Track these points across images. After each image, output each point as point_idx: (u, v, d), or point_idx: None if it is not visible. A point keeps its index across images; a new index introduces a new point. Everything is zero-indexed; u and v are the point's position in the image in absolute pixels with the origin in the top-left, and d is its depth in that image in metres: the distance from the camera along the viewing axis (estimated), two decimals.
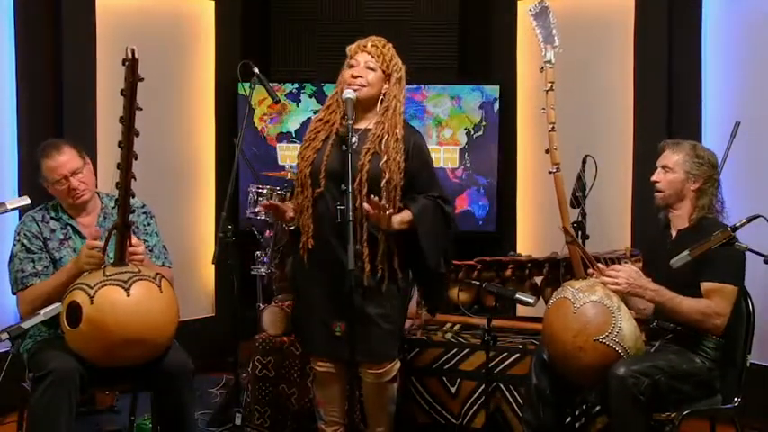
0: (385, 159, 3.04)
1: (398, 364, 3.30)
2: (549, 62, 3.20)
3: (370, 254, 3.05)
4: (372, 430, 3.34)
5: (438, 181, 3.24)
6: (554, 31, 3.21)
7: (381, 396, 3.28)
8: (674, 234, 3.15)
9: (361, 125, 3.12)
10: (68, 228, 3.15)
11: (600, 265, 3.06)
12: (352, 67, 3.12)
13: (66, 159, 3.08)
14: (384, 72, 3.12)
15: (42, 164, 3.10)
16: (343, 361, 3.05)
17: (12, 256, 3.09)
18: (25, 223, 3.11)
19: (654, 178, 3.14)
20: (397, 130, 3.08)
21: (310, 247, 3.11)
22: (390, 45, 3.19)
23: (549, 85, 3.18)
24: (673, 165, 3.10)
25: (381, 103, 3.12)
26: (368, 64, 3.11)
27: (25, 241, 3.07)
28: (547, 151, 3.17)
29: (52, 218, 3.14)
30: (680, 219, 3.13)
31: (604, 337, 2.86)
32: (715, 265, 2.94)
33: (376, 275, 3.07)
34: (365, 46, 3.14)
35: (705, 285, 2.96)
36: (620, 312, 2.88)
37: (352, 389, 2.93)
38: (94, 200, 3.22)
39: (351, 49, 3.17)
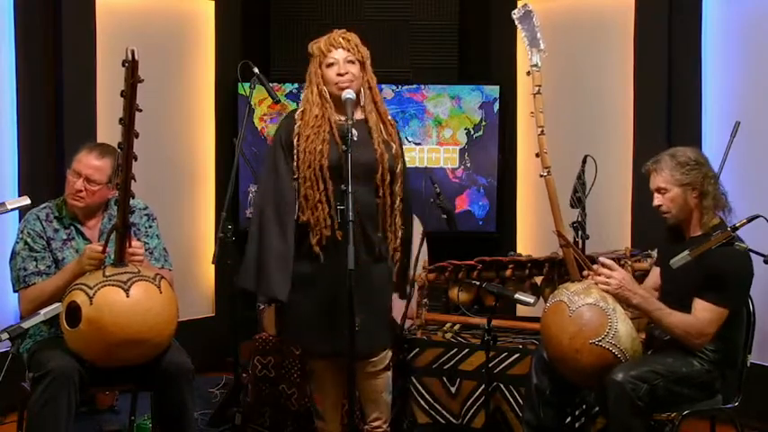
0: (395, 147, 3.15)
1: (390, 353, 3.31)
2: (536, 66, 3.20)
3: (386, 240, 3.12)
4: (370, 420, 3.34)
5: None
6: (539, 35, 3.21)
7: (376, 385, 3.28)
8: (686, 238, 3.09)
9: (355, 116, 3.10)
10: (72, 228, 3.14)
11: (594, 266, 3.05)
12: (331, 65, 3.12)
13: (96, 165, 3.07)
14: (360, 62, 3.15)
15: (80, 151, 3.12)
16: (349, 353, 3.05)
17: (14, 254, 3.08)
18: (29, 221, 3.11)
19: (655, 203, 3.07)
20: (389, 117, 3.19)
21: (339, 238, 3.03)
22: (353, 33, 3.20)
23: (537, 88, 3.18)
24: (665, 184, 3.03)
25: (364, 93, 3.15)
26: (347, 58, 3.12)
27: (28, 239, 3.07)
28: (537, 155, 3.17)
29: (56, 217, 3.14)
30: (693, 227, 3.07)
31: (601, 340, 2.86)
32: (715, 282, 2.89)
33: (390, 260, 3.13)
34: (338, 42, 3.13)
35: (699, 303, 2.92)
36: (615, 314, 2.87)
37: (352, 387, 2.93)
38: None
39: (320, 47, 3.14)
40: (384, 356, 3.26)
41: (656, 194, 3.07)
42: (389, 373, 3.32)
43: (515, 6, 4.83)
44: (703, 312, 2.91)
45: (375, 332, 3.12)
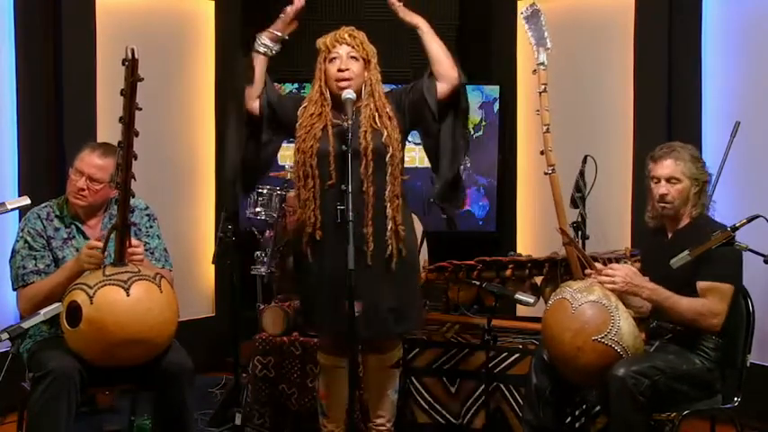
0: (386, 135, 3.11)
1: (400, 351, 3.32)
2: (542, 64, 3.21)
3: (375, 232, 3.09)
4: (374, 418, 3.35)
5: None
6: (546, 34, 3.22)
7: (384, 382, 3.30)
8: (669, 234, 3.13)
9: (349, 110, 3.11)
10: (72, 227, 3.14)
11: (597, 264, 3.06)
12: (333, 60, 3.13)
13: (98, 164, 3.07)
14: (364, 60, 3.16)
15: (83, 150, 3.12)
16: (350, 348, 3.04)
17: (14, 252, 3.08)
18: (29, 220, 3.10)
19: (662, 192, 3.04)
20: (387, 109, 3.16)
21: (318, 238, 3.10)
22: (361, 32, 3.22)
23: (543, 86, 3.19)
24: (680, 175, 3.02)
25: (364, 88, 3.16)
26: (350, 54, 3.14)
27: (28, 238, 3.07)
28: (542, 152, 3.18)
29: (57, 216, 3.14)
30: (677, 220, 3.10)
31: (603, 337, 2.86)
32: (711, 265, 2.92)
33: (385, 253, 3.10)
34: (343, 37, 3.15)
35: (701, 284, 2.95)
36: (618, 312, 2.88)
37: (352, 387, 2.93)
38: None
39: (326, 42, 3.17)
40: (394, 354, 3.28)
41: (663, 182, 3.04)
42: (397, 372, 3.34)
43: (515, 6, 4.88)
44: (710, 292, 2.94)
45: (373, 321, 3.10)
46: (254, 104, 3.19)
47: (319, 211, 3.09)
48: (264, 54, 3.20)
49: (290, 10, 3.20)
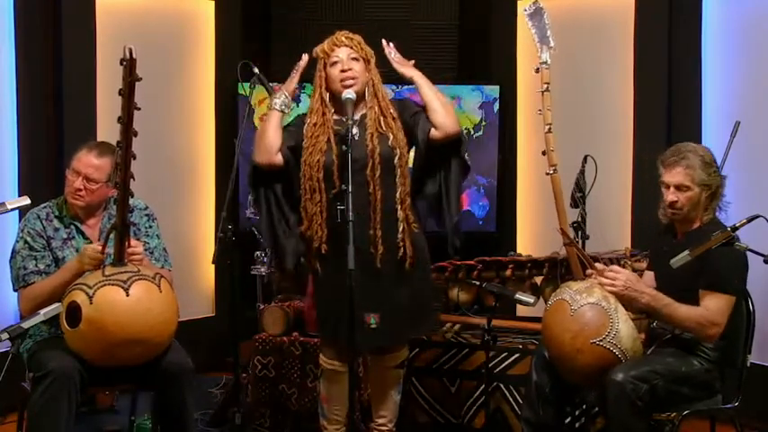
0: (392, 138, 3.12)
1: (406, 352, 3.34)
2: (545, 63, 3.20)
3: (384, 235, 3.09)
4: (376, 417, 3.35)
5: None
6: (549, 32, 3.21)
7: (388, 382, 3.32)
8: (679, 236, 3.10)
9: (356, 114, 3.13)
10: (72, 227, 3.14)
11: (598, 265, 3.05)
12: (335, 63, 3.14)
13: (95, 164, 3.07)
14: (364, 60, 3.18)
15: (79, 150, 3.12)
16: (351, 351, 3.04)
17: (14, 253, 3.08)
18: (29, 220, 3.11)
19: (670, 198, 3.00)
20: (392, 110, 3.18)
21: (324, 252, 3.11)
22: (357, 34, 3.24)
23: (545, 86, 3.18)
24: (690, 183, 2.97)
25: (367, 90, 3.17)
26: (351, 55, 3.15)
27: (28, 239, 3.07)
28: (544, 153, 3.17)
29: (56, 216, 3.14)
30: (688, 222, 3.07)
31: (602, 340, 2.86)
32: (716, 273, 2.90)
33: (398, 256, 3.11)
34: (340, 40, 3.17)
35: (703, 293, 2.92)
36: (617, 314, 2.87)
37: (352, 388, 2.94)
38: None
39: (323, 49, 3.18)
40: (400, 354, 3.30)
41: (672, 189, 3.00)
42: (402, 372, 3.36)
43: (515, 6, 4.88)
44: (712, 302, 2.91)
45: (391, 329, 3.13)
46: (278, 158, 3.18)
47: (326, 224, 3.10)
48: (282, 111, 3.24)
49: (301, 64, 3.26)
